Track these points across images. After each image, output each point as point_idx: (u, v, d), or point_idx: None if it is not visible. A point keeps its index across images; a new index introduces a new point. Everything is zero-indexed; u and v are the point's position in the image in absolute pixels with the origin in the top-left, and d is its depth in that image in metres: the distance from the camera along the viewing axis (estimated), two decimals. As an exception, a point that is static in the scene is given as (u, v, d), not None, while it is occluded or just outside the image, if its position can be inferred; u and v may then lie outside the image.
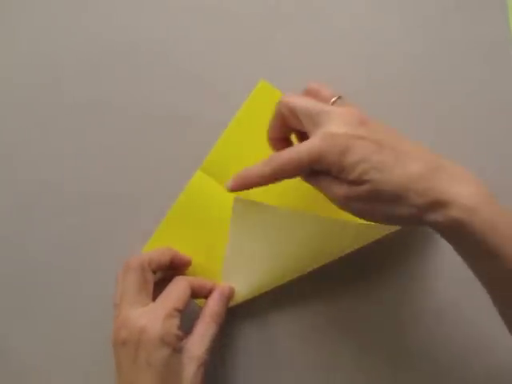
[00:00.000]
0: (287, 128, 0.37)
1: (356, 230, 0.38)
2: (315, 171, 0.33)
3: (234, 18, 0.43)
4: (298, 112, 0.34)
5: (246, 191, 0.35)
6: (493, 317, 0.41)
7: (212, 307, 0.38)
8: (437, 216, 0.29)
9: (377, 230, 0.38)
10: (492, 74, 0.42)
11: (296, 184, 0.37)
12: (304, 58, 0.43)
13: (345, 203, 0.32)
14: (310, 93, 0.36)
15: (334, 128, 0.31)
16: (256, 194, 0.38)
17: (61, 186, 0.43)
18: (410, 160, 0.31)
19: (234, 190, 0.35)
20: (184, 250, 0.41)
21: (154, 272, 0.39)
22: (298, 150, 0.32)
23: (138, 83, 0.43)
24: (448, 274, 0.41)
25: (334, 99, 0.35)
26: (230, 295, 0.39)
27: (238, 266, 0.40)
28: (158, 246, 0.42)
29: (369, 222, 0.34)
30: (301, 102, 0.34)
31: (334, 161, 0.31)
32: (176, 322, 0.36)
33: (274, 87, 0.42)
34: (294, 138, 0.38)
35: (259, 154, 0.42)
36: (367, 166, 0.30)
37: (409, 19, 0.43)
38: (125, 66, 0.43)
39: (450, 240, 0.31)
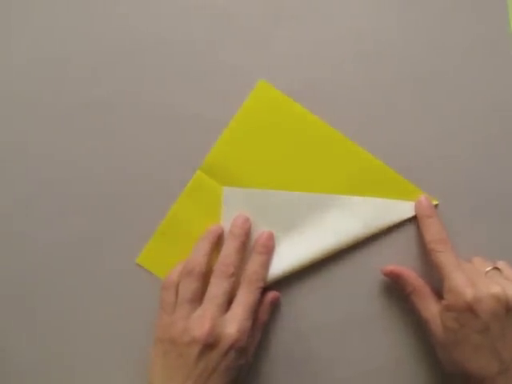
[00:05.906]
0: None
1: (348, 207, 0.41)
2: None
3: (233, 17, 0.43)
4: None
5: (236, 180, 0.41)
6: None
7: (262, 317, 0.40)
8: None
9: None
10: (492, 73, 0.42)
11: (286, 168, 0.42)
12: (304, 57, 0.43)
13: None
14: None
15: None
16: (245, 180, 0.42)
17: (61, 186, 0.43)
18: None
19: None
20: (184, 251, 0.41)
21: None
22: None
23: (138, 84, 0.43)
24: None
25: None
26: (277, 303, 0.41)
27: None
28: (158, 246, 0.42)
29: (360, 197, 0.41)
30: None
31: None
32: (249, 326, 0.37)
33: (273, 87, 0.42)
34: None
35: (259, 153, 0.42)
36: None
37: (409, 19, 0.43)
38: (125, 66, 0.43)
39: None
